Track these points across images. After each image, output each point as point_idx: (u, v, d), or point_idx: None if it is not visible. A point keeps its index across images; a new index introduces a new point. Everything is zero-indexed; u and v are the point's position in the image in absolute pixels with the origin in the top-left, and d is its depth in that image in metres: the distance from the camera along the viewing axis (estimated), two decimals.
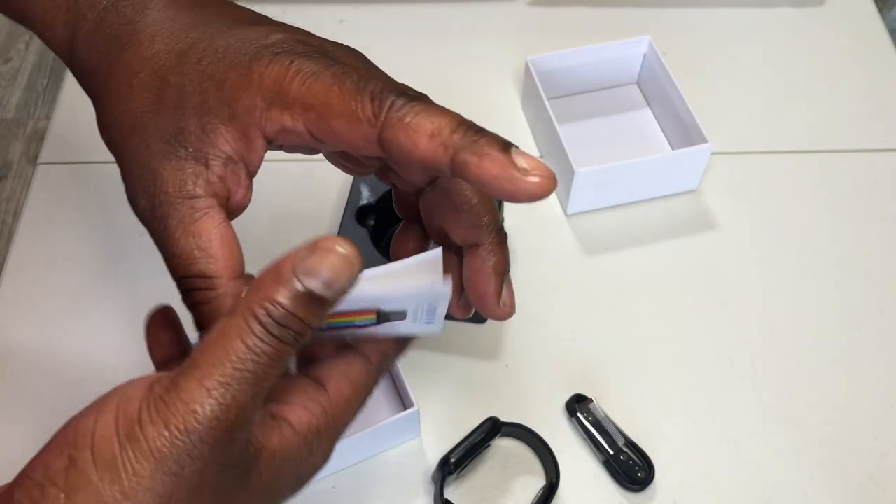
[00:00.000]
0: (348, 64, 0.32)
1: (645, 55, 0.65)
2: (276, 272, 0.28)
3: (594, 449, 0.51)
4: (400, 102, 0.30)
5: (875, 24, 0.72)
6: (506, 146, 0.30)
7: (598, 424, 0.51)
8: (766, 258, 0.59)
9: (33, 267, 0.58)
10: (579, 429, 0.51)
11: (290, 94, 0.31)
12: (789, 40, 0.72)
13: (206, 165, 0.32)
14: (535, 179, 0.29)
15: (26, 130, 1.62)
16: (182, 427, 0.27)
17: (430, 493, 0.50)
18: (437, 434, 0.52)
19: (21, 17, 0.36)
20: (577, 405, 0.52)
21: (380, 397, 0.53)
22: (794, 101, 0.68)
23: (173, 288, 0.49)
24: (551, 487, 0.49)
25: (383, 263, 0.33)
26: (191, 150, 0.31)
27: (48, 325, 0.56)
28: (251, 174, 0.34)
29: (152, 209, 0.32)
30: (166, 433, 0.27)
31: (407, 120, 0.30)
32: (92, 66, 0.33)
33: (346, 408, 0.34)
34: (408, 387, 0.50)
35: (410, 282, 0.32)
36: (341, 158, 0.38)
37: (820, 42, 0.71)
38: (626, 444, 0.50)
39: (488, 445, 0.49)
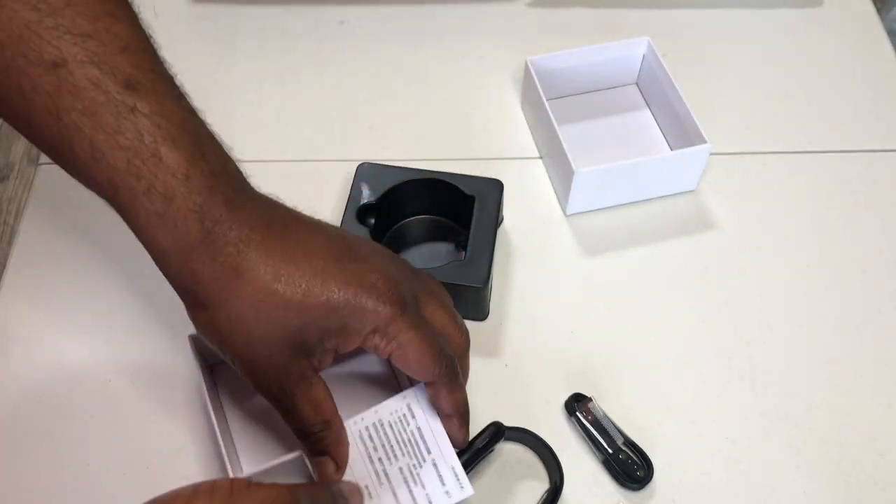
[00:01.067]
0: (434, 327, 0.45)
1: (644, 56, 0.66)
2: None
3: (593, 448, 0.51)
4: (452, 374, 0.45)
5: (874, 24, 0.72)
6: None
7: (597, 423, 0.51)
8: (765, 258, 0.59)
9: (34, 267, 0.58)
10: (578, 428, 0.51)
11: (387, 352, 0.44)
12: (789, 40, 0.72)
13: (319, 363, 0.44)
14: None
15: None
16: None
17: None
18: None
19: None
20: (577, 404, 0.52)
21: (378, 393, 0.53)
22: (793, 101, 0.68)
23: (172, 290, 0.50)
24: (555, 491, 0.49)
25: None
26: (312, 357, 0.43)
27: (49, 325, 0.56)
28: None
29: (281, 390, 0.43)
30: None
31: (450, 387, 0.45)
32: (207, 282, 0.41)
33: None
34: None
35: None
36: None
37: (819, 42, 0.72)
38: (625, 444, 0.50)
39: (492, 450, 0.49)
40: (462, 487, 0.44)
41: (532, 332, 0.56)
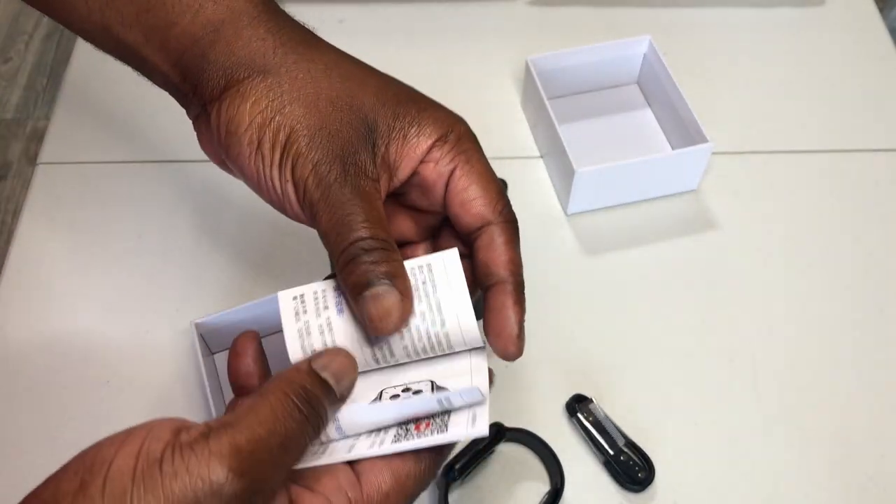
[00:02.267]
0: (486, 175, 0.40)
1: (645, 55, 0.65)
2: (297, 367, 0.33)
3: (594, 449, 0.51)
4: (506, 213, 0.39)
5: (875, 24, 0.72)
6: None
7: (598, 425, 0.51)
8: (766, 258, 0.59)
9: (33, 267, 0.58)
10: (579, 429, 0.51)
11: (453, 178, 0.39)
12: (789, 40, 0.72)
13: (384, 162, 0.38)
14: None
15: (26, 130, 1.62)
16: (204, 479, 0.28)
17: (434, 500, 0.49)
18: None
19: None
20: (578, 405, 0.52)
21: None
22: (794, 101, 0.68)
23: (172, 289, 0.49)
24: (556, 492, 0.49)
25: None
26: (377, 150, 0.38)
27: (48, 325, 0.56)
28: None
29: (343, 174, 0.36)
30: (186, 480, 0.28)
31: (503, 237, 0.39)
32: (271, 47, 0.37)
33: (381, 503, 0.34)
34: None
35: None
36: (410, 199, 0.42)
37: (820, 42, 0.71)
38: (626, 445, 0.50)
39: (492, 451, 0.49)
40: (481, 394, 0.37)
41: (533, 332, 0.56)
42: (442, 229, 0.42)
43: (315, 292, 0.38)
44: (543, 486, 0.50)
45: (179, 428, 0.30)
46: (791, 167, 0.64)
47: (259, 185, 0.38)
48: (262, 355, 0.39)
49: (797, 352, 0.55)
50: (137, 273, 0.58)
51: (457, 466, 0.48)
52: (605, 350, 0.55)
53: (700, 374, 0.54)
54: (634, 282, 0.58)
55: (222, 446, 0.29)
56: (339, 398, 0.34)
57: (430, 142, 0.38)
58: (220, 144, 0.39)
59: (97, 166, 0.63)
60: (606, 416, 0.51)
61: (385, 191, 0.38)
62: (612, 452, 0.50)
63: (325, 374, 0.33)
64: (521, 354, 0.39)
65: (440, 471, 0.46)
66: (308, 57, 0.38)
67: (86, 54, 0.69)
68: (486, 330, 0.39)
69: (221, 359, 0.54)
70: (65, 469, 0.29)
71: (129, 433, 0.30)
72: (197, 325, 0.51)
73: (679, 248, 0.60)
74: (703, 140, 0.58)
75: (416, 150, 0.38)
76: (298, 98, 0.37)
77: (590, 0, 0.73)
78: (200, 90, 0.38)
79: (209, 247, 0.59)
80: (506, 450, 0.51)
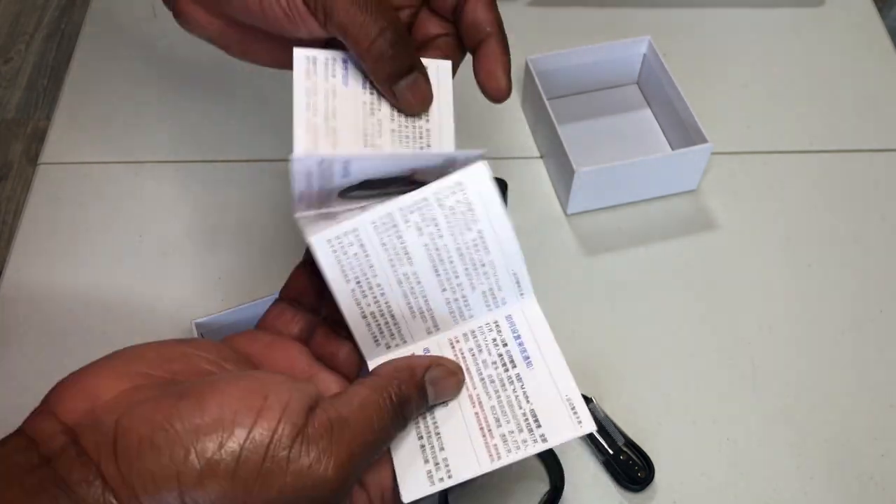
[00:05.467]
0: None
1: (645, 55, 0.65)
2: (412, 371, 0.36)
3: (594, 449, 0.51)
4: None
5: (875, 24, 0.72)
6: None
7: (597, 424, 0.51)
8: (766, 258, 0.59)
9: (34, 267, 0.58)
10: None
11: None
12: (789, 40, 0.72)
13: None
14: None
15: (26, 130, 1.62)
16: (316, 477, 0.31)
17: (434, 499, 0.49)
18: None
19: None
20: None
21: None
22: (794, 101, 0.68)
23: (172, 289, 0.49)
24: (556, 492, 0.49)
25: None
26: None
27: (48, 326, 0.56)
28: None
29: None
30: (302, 476, 0.31)
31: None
32: None
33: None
34: None
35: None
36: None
37: (820, 42, 0.71)
38: (625, 444, 0.50)
39: None
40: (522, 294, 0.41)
41: None
42: None
43: (326, 59, 0.40)
44: (543, 486, 0.50)
45: (311, 408, 0.32)
46: (791, 167, 0.64)
47: (262, 9, 0.39)
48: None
49: (797, 352, 0.55)
50: (138, 273, 0.58)
51: None
52: (604, 350, 0.55)
53: (700, 373, 0.54)
54: (634, 282, 0.58)
55: (341, 450, 0.31)
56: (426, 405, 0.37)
57: None
58: None
59: (98, 166, 0.63)
60: (606, 416, 0.51)
61: None
62: (611, 452, 0.50)
63: (431, 393, 0.37)
64: (509, 95, 0.44)
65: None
66: None
67: (87, 55, 0.69)
68: (478, 75, 0.43)
69: None
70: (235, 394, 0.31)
71: (265, 393, 0.31)
72: (197, 325, 0.51)
73: (679, 248, 0.60)
74: (703, 140, 0.58)
75: None
76: None
77: (590, 0, 0.73)
78: None
79: (209, 247, 0.59)
80: None
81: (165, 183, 0.62)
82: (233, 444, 0.29)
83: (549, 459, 0.50)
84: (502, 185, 0.56)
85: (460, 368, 0.38)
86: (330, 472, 0.31)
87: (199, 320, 0.51)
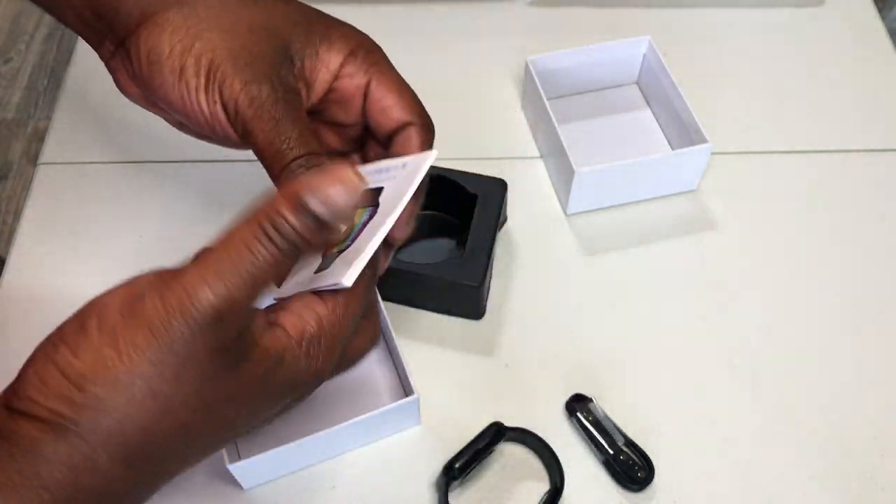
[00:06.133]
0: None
1: (645, 55, 0.65)
2: (288, 191, 0.33)
3: (594, 449, 0.51)
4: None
5: (875, 24, 0.72)
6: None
7: (597, 424, 0.51)
8: (765, 258, 0.59)
9: (34, 267, 0.58)
10: (579, 429, 0.51)
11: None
12: (789, 40, 0.72)
13: (303, 72, 0.41)
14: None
15: (27, 130, 1.62)
16: (177, 305, 0.31)
17: (434, 499, 0.50)
18: (437, 434, 0.52)
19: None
20: (577, 405, 0.52)
21: (381, 385, 0.53)
22: (794, 101, 0.68)
23: None
24: (556, 492, 0.49)
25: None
26: (295, 63, 0.41)
27: (49, 326, 0.56)
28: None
29: (271, 93, 0.39)
30: (162, 308, 0.31)
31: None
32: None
33: (343, 316, 0.36)
34: (409, 374, 0.50)
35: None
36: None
37: (820, 42, 0.71)
38: (625, 444, 0.50)
39: (492, 450, 0.49)
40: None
41: (532, 332, 0.56)
42: (367, 140, 0.45)
43: None
44: (543, 486, 0.50)
45: (161, 272, 0.33)
46: (790, 167, 0.64)
47: (186, 112, 0.40)
48: None
49: (797, 351, 0.55)
50: (138, 273, 0.58)
51: (457, 466, 0.48)
52: (604, 350, 0.55)
53: (699, 373, 0.54)
54: (634, 282, 0.58)
55: (193, 280, 0.31)
56: (332, 224, 0.33)
57: (341, 57, 0.41)
58: (142, 77, 0.40)
59: (98, 166, 0.63)
60: (606, 416, 0.51)
61: (305, 107, 0.41)
62: (611, 452, 0.50)
63: (315, 205, 0.32)
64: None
65: (441, 470, 0.46)
66: None
67: (87, 54, 0.69)
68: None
69: None
70: (68, 319, 0.35)
71: (118, 284, 0.34)
72: None
73: (678, 248, 0.60)
74: (703, 140, 0.58)
75: (329, 66, 0.41)
76: (217, 25, 0.39)
77: (590, 0, 0.73)
78: (116, 27, 0.40)
79: None
80: (506, 449, 0.51)
81: (165, 183, 0.62)
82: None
83: (550, 459, 0.50)
84: (502, 186, 0.56)
85: (349, 171, 0.33)
86: (199, 297, 0.31)
87: None
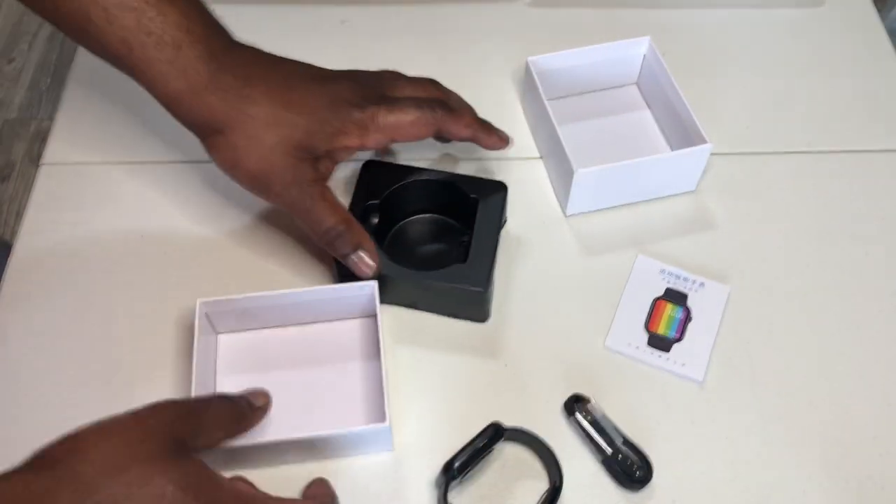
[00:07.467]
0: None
1: (645, 56, 0.65)
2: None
3: (593, 448, 0.51)
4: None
5: (875, 24, 0.72)
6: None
7: (596, 424, 0.51)
8: (764, 258, 0.59)
9: (35, 268, 0.59)
10: (578, 428, 0.51)
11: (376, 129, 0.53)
12: (790, 40, 0.72)
13: (325, 169, 0.54)
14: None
15: (29, 131, 1.63)
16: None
17: (433, 499, 0.50)
18: (436, 434, 0.52)
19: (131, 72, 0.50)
20: (576, 405, 0.52)
21: (359, 406, 0.52)
22: (793, 101, 0.68)
23: (173, 290, 0.49)
24: (555, 491, 0.49)
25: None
26: (319, 162, 0.53)
27: (50, 326, 0.56)
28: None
29: (300, 192, 0.51)
30: None
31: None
32: (221, 110, 0.50)
33: None
34: (385, 400, 0.48)
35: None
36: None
37: (820, 42, 0.72)
38: (624, 444, 0.50)
39: (491, 450, 0.49)
40: None
41: (532, 332, 0.56)
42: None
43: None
44: (542, 485, 0.50)
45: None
46: (790, 167, 0.64)
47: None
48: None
49: (796, 351, 0.55)
50: (139, 273, 0.58)
51: (456, 465, 0.48)
52: (603, 350, 0.55)
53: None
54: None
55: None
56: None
57: (357, 142, 0.52)
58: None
59: (100, 167, 0.63)
60: (605, 416, 0.51)
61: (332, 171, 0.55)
62: (610, 451, 0.50)
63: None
64: (509, 139, 0.58)
65: (440, 469, 0.47)
66: (249, 112, 0.50)
67: (89, 55, 0.69)
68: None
69: (224, 338, 0.55)
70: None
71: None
72: (203, 304, 0.52)
73: (678, 248, 0.60)
74: (702, 141, 0.58)
75: (348, 146, 0.52)
76: (249, 152, 0.50)
77: (590, 0, 0.73)
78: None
79: (210, 247, 0.59)
80: (505, 449, 0.51)
81: (168, 183, 0.62)
82: None
83: (549, 459, 0.50)
84: (502, 189, 0.57)
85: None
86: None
87: (204, 299, 0.52)
